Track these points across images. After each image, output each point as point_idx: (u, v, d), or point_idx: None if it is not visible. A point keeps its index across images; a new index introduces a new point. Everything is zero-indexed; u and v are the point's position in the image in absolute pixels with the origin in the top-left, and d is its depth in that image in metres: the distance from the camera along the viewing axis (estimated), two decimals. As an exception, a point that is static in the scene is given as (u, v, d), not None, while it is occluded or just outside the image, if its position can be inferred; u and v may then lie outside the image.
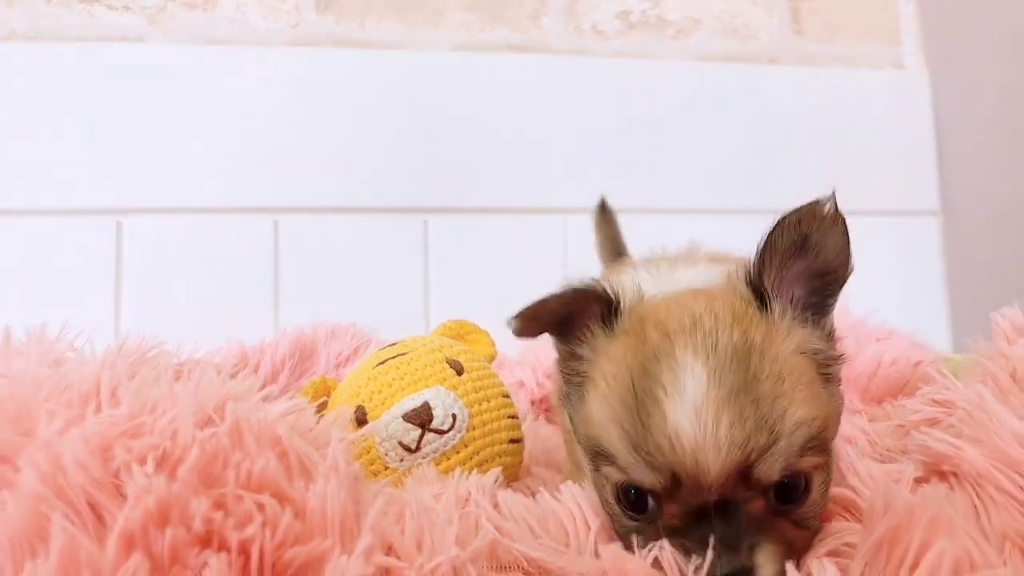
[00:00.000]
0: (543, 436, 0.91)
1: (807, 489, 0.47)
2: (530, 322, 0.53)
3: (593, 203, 1.11)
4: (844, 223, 0.51)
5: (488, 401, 0.71)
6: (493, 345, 0.86)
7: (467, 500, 0.49)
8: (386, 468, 0.64)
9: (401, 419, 0.65)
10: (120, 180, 1.23)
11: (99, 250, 1.21)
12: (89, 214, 1.21)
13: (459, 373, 0.71)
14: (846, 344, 1.15)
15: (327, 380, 0.77)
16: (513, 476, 0.71)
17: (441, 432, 0.66)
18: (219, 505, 0.40)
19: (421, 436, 0.65)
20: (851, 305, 1.26)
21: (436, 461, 0.65)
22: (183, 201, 1.25)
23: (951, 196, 1.51)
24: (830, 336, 0.56)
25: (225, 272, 1.25)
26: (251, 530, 0.39)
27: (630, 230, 1.10)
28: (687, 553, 0.43)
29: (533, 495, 0.53)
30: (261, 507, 0.40)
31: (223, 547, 0.39)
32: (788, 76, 1.50)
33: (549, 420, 1.03)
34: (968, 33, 1.51)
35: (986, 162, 1.46)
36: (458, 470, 0.57)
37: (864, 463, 0.52)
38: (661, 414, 0.45)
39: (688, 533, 0.44)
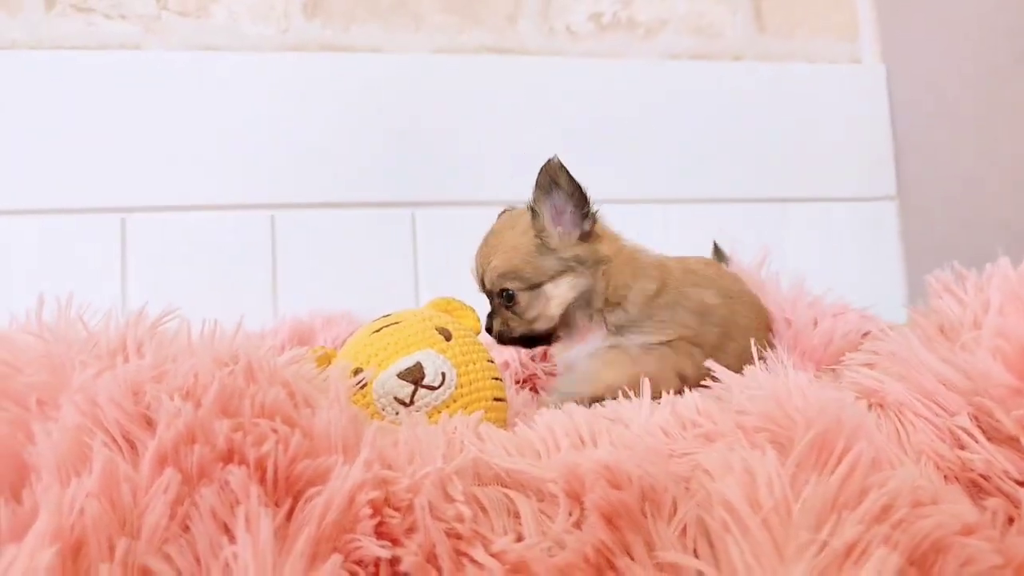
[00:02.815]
0: (520, 404, 0.98)
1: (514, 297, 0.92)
2: None
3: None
4: (565, 171, 0.86)
5: (474, 363, 0.78)
6: (478, 320, 0.93)
7: (453, 431, 0.56)
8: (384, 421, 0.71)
9: (396, 377, 0.72)
10: (123, 180, 1.29)
11: (105, 247, 1.27)
12: (94, 212, 1.26)
13: (448, 339, 0.78)
14: (804, 318, 1.23)
15: (328, 351, 0.83)
16: (497, 431, 0.78)
17: (432, 388, 0.72)
18: (238, 428, 0.46)
19: (414, 392, 0.72)
20: (811, 284, 1.34)
21: (428, 414, 0.71)
22: (184, 199, 1.31)
23: (907, 182, 1.60)
24: (577, 230, 0.92)
25: (225, 265, 1.31)
26: (267, 447, 0.45)
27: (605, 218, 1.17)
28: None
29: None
30: (274, 430, 0.47)
31: (243, 462, 0.45)
32: (751, 72, 1.59)
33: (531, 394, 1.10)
34: (921, 28, 1.60)
35: (939, 149, 1.56)
36: (446, 414, 0.64)
37: (807, 387, 0.59)
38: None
39: None
